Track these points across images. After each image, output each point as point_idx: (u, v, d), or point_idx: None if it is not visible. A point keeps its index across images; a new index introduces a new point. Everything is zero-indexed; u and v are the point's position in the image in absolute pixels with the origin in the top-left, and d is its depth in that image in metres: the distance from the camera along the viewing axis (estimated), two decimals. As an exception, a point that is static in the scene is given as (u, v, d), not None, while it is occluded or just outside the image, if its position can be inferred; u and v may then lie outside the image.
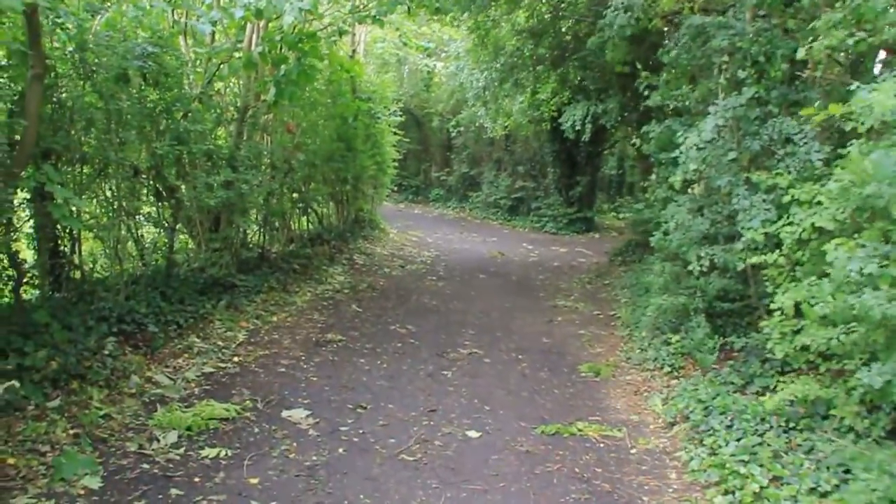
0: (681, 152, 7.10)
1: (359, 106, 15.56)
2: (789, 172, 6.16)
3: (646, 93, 9.80)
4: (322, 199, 15.03)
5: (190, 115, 8.74)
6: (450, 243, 20.30)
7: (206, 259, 9.40)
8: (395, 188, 27.82)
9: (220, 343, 8.08)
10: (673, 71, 7.59)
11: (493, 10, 15.25)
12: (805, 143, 6.26)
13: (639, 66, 15.24)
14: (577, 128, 20.25)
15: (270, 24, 9.70)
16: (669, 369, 8.15)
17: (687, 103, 8.43)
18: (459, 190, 30.79)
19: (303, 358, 8.12)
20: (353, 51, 17.26)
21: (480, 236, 22.67)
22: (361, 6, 13.69)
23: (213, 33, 10.59)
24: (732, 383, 6.99)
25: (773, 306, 5.73)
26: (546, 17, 17.30)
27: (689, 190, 7.26)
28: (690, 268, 7.61)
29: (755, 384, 6.81)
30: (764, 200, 6.42)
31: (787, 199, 5.84)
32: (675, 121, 8.59)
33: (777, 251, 5.96)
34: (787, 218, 5.87)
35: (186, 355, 7.52)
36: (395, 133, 19.42)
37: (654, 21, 8.30)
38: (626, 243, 19.02)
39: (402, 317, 10.46)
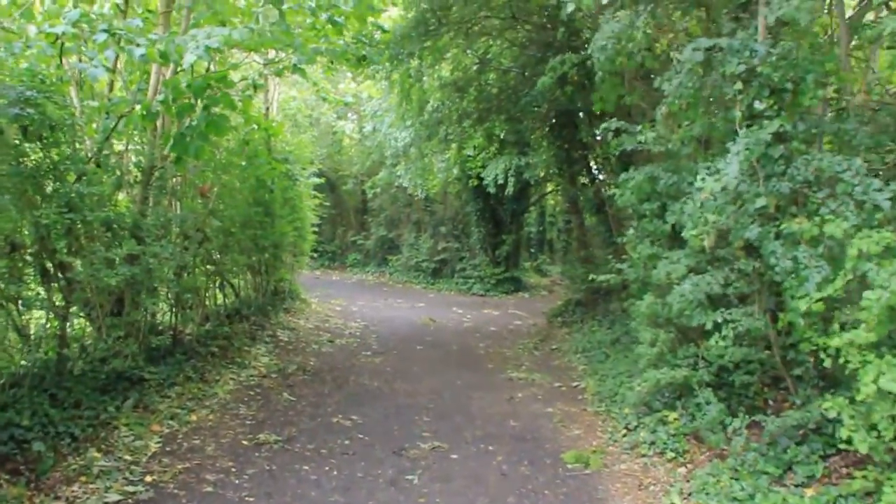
0: (693, 203, 6.02)
1: (276, 167, 14.22)
2: (844, 218, 5.08)
3: (610, 138, 8.81)
4: (239, 269, 13.52)
5: (84, 177, 7.23)
6: (376, 311, 18.89)
7: (107, 349, 7.79)
8: (311, 255, 26.29)
9: (127, 457, 6.46)
10: (676, 103, 6.51)
11: (418, 61, 14.20)
12: (858, 181, 5.21)
13: (581, 114, 14.53)
14: (500, 181, 19.37)
15: (181, 72, 8.31)
16: (672, 454, 6.94)
17: (670, 146, 7.39)
18: (378, 254, 29.48)
19: (233, 469, 6.58)
20: (267, 108, 15.94)
21: (406, 302, 21.33)
22: (278, 58, 12.50)
23: (111, 83, 9.18)
24: (766, 473, 5.80)
25: (861, 390, 4.57)
26: (472, 69, 16.35)
27: (704, 244, 6.12)
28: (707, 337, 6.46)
29: (798, 473, 5.65)
30: (812, 256, 5.30)
31: (852, 251, 4.74)
32: (658, 167, 7.53)
33: (860, 328, 4.76)
34: (843, 275, 4.78)
35: (84, 478, 5.89)
36: (314, 196, 18.07)
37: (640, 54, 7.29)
38: (564, 303, 18.03)
39: (343, 405, 8.99)
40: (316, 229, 18.52)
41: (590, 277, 8.87)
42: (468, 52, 15.94)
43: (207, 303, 11.56)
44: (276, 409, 8.60)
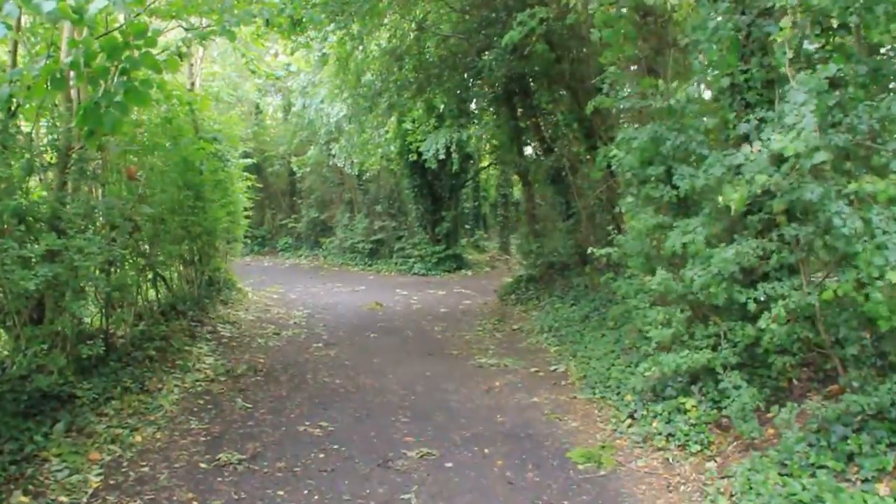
0: (745, 159, 5.16)
1: (204, 147, 12.97)
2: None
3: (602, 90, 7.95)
4: (171, 261, 12.27)
5: (-13, 160, 6.00)
6: (316, 298, 17.79)
7: (28, 364, 6.57)
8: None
9: (63, 499, 5.31)
10: (714, 48, 5.63)
11: (356, 25, 13.06)
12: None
13: (532, 80, 13.65)
14: (441, 156, 18.41)
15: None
16: (697, 447, 6.13)
17: (672, 103, 6.52)
18: (310, 237, 28.27)
19: (194, 503, 5.51)
20: (192, 84, 14.59)
21: (346, 286, 20.26)
22: (202, 23, 11.23)
23: (14, 53, 7.86)
24: (824, 467, 5.02)
25: None
26: (410, 36, 15.26)
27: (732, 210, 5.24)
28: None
29: (863, 466, 4.88)
30: (890, 219, 4.49)
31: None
32: (660, 125, 6.66)
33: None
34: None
35: (10, 532, 4.77)
36: (245, 177, 16.79)
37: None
38: (515, 280, 17.22)
39: (307, 409, 7.95)
40: (248, 214, 17.26)
41: (589, 251, 7.89)
42: (406, 18, 14.85)
43: (140, 300, 10.33)
44: (232, 420, 7.50)
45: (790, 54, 5.18)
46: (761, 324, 5.48)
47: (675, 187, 6.47)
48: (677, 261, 6.58)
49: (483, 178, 30.17)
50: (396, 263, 24.13)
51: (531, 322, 13.36)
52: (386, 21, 14.70)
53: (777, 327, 5.40)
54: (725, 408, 6.08)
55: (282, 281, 20.92)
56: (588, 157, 11.56)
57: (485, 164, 26.71)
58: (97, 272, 8.03)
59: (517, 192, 31.38)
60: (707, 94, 7.97)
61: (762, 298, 5.52)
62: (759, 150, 5.04)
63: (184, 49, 10.81)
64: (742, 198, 5.11)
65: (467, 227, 30.71)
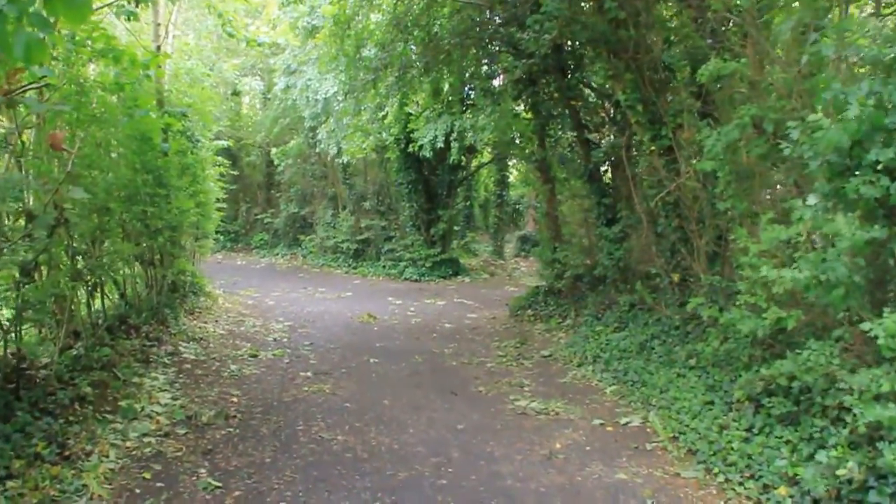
0: None
1: (169, 123, 10.54)
2: None
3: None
4: (125, 261, 9.78)
5: None
6: (297, 305, 15.35)
7: None
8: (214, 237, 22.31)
9: None
10: None
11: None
12: None
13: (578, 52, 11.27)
14: (440, 145, 16.03)
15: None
16: None
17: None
18: (288, 234, 25.83)
19: None
20: (158, 48, 12.03)
21: (330, 291, 17.83)
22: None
23: None
24: None
25: None
26: (419, 3, 12.81)
27: None
28: None
29: None
30: None
31: None
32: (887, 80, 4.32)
33: None
34: None
35: None
36: (219, 163, 14.29)
37: None
38: (531, 292, 14.83)
39: (301, 489, 5.48)
40: (221, 206, 14.75)
41: (770, 274, 5.37)
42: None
43: (80, 314, 7.85)
44: (192, 511, 5.06)
45: None
46: None
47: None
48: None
49: (477, 175, 27.69)
50: (385, 266, 21.72)
51: (562, 347, 11.01)
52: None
53: None
54: None
55: (257, 283, 18.48)
56: (652, 148, 9.21)
57: (486, 158, 24.25)
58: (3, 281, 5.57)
59: (515, 192, 29.12)
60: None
61: None
62: None
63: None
64: None
65: (456, 228, 28.27)
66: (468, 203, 28.59)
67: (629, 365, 8.93)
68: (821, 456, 4.78)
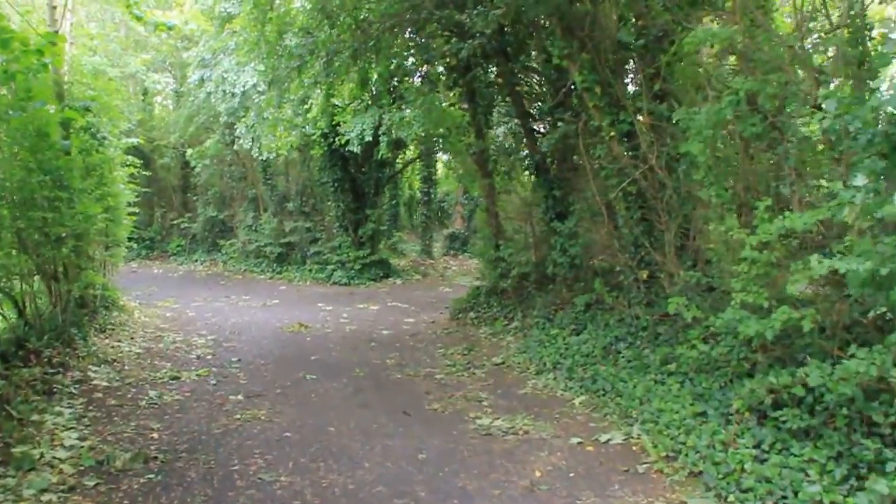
0: None
1: (70, 118, 9.36)
2: None
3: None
4: (21, 275, 8.54)
5: None
6: (221, 315, 14.18)
7: None
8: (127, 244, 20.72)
9: None
10: None
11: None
12: None
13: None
14: (368, 138, 15.01)
15: None
16: None
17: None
18: (207, 239, 24.43)
19: None
20: (56, 32, 10.68)
21: (255, 298, 16.66)
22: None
23: None
24: None
25: None
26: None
27: None
28: None
29: None
30: None
31: None
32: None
33: None
34: None
35: None
36: (129, 163, 12.99)
37: None
38: (472, 293, 14.00)
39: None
40: (133, 210, 13.42)
41: (804, 265, 4.56)
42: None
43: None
44: None
45: None
46: None
47: None
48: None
49: (404, 172, 26.65)
50: (311, 271, 20.59)
51: (514, 353, 10.21)
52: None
53: None
54: None
55: (175, 292, 17.16)
56: (612, 133, 8.42)
57: (413, 153, 23.31)
58: None
59: (441, 189, 28.27)
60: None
61: None
62: None
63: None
64: None
65: (383, 228, 27.26)
66: (394, 202, 27.56)
67: (596, 371, 8.16)
68: (879, 485, 4.02)
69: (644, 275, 8.32)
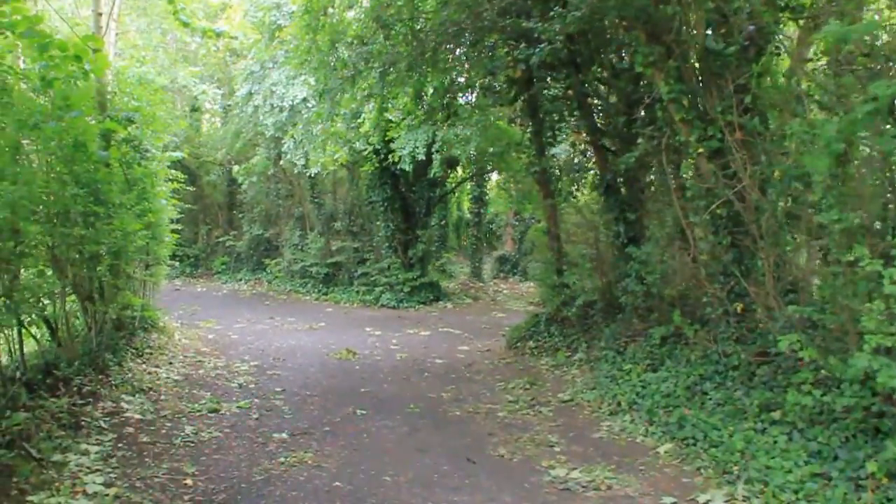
0: None
1: (110, 128, 8.76)
2: None
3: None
4: (52, 296, 7.88)
5: None
6: (265, 339, 13.48)
7: None
8: (170, 262, 20.19)
9: None
10: None
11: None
12: None
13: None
14: (420, 157, 14.33)
15: None
16: None
17: None
18: (252, 257, 23.88)
19: None
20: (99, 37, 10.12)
21: (300, 321, 15.96)
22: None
23: None
24: None
25: None
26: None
27: None
28: None
29: None
30: None
31: None
32: None
33: None
34: None
35: None
36: (172, 178, 12.37)
37: None
38: (531, 320, 13.14)
39: None
40: (176, 227, 12.81)
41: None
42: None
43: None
44: None
45: None
46: None
47: None
48: None
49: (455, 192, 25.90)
50: (359, 292, 19.84)
51: (581, 389, 9.31)
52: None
53: None
54: None
55: (218, 313, 16.54)
56: (700, 150, 7.54)
57: (463, 173, 22.57)
58: None
59: (493, 208, 27.43)
60: None
61: None
62: None
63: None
64: None
65: (432, 249, 26.48)
66: (443, 222, 26.80)
67: (681, 416, 7.22)
68: None
69: (738, 307, 7.37)
